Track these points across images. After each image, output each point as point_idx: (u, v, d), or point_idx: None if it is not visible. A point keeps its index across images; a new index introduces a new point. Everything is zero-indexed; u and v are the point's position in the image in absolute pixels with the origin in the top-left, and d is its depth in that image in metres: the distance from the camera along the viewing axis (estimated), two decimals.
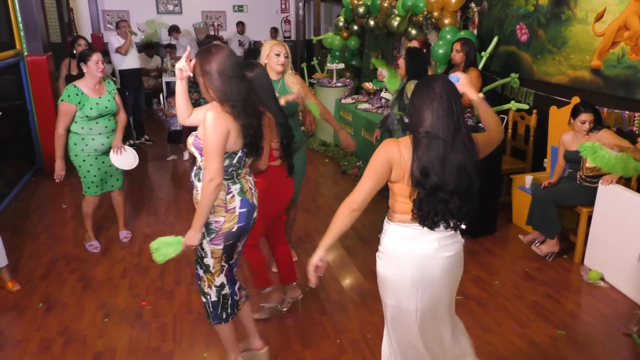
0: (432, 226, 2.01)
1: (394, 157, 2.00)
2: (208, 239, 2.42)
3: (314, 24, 10.93)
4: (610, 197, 3.63)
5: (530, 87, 4.94)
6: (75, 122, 3.82)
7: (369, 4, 7.42)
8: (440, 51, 5.50)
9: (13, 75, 5.68)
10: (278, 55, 3.43)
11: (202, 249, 2.46)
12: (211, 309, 2.58)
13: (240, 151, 2.38)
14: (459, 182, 1.97)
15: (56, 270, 3.84)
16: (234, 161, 2.38)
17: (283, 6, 11.62)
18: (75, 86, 3.80)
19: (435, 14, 5.76)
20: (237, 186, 2.43)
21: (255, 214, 2.52)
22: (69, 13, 9.36)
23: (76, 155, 3.88)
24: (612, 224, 3.62)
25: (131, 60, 7.27)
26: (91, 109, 3.79)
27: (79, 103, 3.77)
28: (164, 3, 10.92)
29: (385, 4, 6.83)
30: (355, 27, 8.18)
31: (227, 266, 2.54)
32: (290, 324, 3.21)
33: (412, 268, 2.07)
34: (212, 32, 11.06)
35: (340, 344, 3.03)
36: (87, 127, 3.83)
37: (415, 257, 2.06)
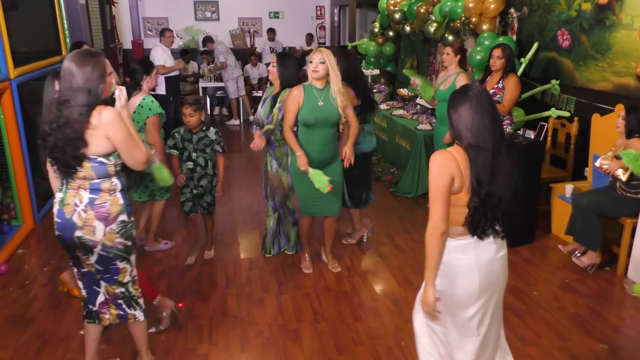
0: (482, 235, 2.03)
1: (453, 169, 1.99)
2: (134, 251, 2.54)
3: (349, 30, 10.95)
4: None
5: (572, 94, 4.82)
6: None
7: (405, 9, 7.40)
8: (478, 57, 5.43)
9: None
10: (311, 62, 3.42)
11: (131, 263, 2.54)
12: (142, 317, 2.68)
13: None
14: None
15: (58, 286, 3.92)
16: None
17: (318, 12, 11.70)
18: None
19: (473, 19, 5.70)
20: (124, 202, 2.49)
21: None
22: (112, 20, 9.66)
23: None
24: None
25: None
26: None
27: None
28: (202, 10, 11.15)
29: (422, 10, 6.80)
30: (391, 33, 8.16)
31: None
32: (325, 329, 3.22)
33: (479, 276, 2.08)
34: (248, 39, 11.24)
35: (374, 351, 3.01)
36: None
37: (481, 265, 2.08)
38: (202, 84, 9.55)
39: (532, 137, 4.31)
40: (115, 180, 2.41)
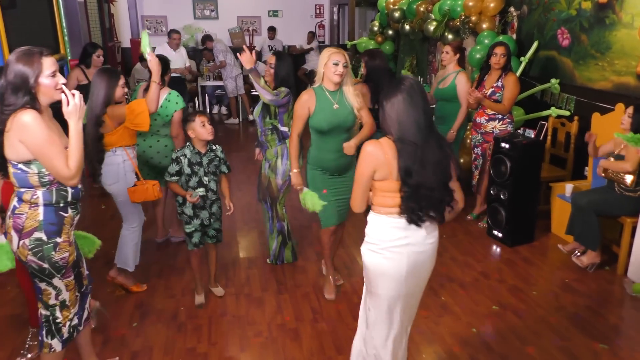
0: (418, 222, 2.14)
1: (378, 160, 2.12)
2: (59, 275, 2.30)
3: (348, 28, 10.94)
4: None
5: (572, 93, 4.82)
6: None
7: (404, 8, 7.39)
8: (478, 56, 5.42)
9: None
10: (336, 64, 3.08)
11: (55, 287, 2.32)
12: (60, 347, 2.43)
13: None
14: (437, 180, 2.10)
15: (95, 270, 3.93)
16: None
17: (317, 11, 11.68)
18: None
19: (473, 18, 5.69)
20: (78, 216, 2.39)
21: None
22: (110, 19, 9.62)
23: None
24: None
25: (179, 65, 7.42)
26: None
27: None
28: (201, 8, 11.12)
29: (422, 9, 6.79)
30: (390, 32, 8.15)
31: (78, 294, 2.45)
32: (324, 329, 3.21)
33: (407, 257, 2.18)
34: (247, 37, 11.21)
35: None
36: None
37: (409, 246, 2.18)
38: (201, 82, 9.53)
39: (532, 136, 4.30)
40: (38, 193, 2.21)
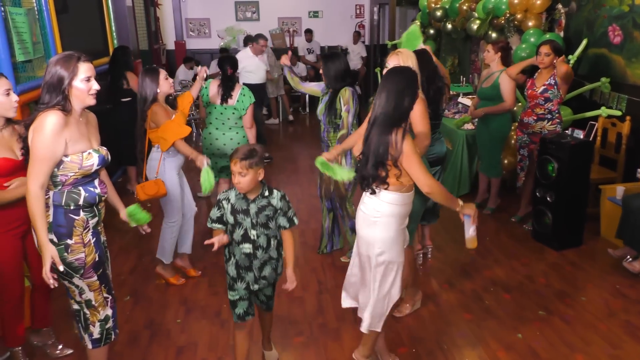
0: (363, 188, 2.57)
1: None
2: (78, 275, 2.31)
3: (388, 28, 10.86)
4: None
5: (623, 92, 4.64)
6: None
7: (447, 7, 7.28)
8: (523, 55, 5.28)
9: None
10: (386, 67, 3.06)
11: (77, 286, 2.33)
12: (90, 345, 2.45)
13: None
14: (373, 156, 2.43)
15: (142, 266, 4.06)
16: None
17: (358, 11, 11.65)
18: None
19: (519, 16, 5.55)
20: (96, 219, 2.39)
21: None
22: (156, 22, 9.89)
23: None
24: None
25: (258, 75, 7.18)
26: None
27: None
28: (243, 10, 11.28)
29: (465, 7, 6.67)
30: (432, 31, 8.04)
31: (110, 297, 2.45)
32: None
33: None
34: (287, 38, 11.30)
35: (415, 352, 2.98)
36: None
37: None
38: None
39: (581, 136, 4.17)
40: (50, 194, 2.24)
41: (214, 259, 4.18)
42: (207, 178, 3.35)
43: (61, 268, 2.25)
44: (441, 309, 3.40)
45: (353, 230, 3.84)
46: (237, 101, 4.24)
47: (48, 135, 2.15)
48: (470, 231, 2.64)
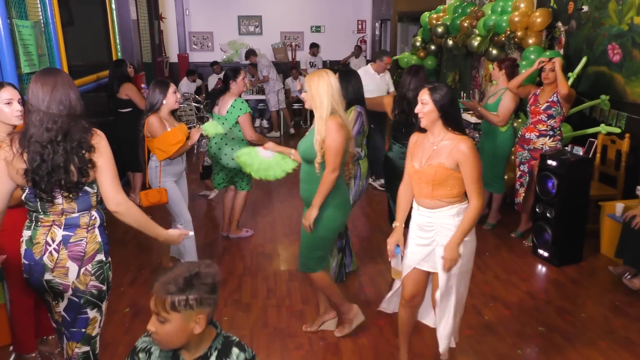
0: None
1: None
2: (107, 297, 2.25)
3: (390, 44, 10.96)
4: None
5: (622, 110, 4.67)
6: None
7: (448, 23, 7.36)
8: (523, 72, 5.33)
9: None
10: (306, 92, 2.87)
11: (102, 311, 2.25)
12: None
13: None
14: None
15: (142, 278, 4.06)
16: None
17: (360, 26, 11.77)
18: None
19: (519, 33, 5.61)
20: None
21: None
22: (160, 35, 9.98)
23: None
24: None
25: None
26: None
27: None
28: (246, 24, 11.40)
29: (466, 24, 6.75)
30: (433, 47, 8.12)
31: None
32: (365, 344, 3.19)
33: None
34: (289, 52, 11.40)
35: None
36: None
37: None
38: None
39: (581, 153, 4.19)
40: (94, 212, 2.17)
41: None
42: (210, 125, 3.78)
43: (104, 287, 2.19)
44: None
45: (340, 251, 3.85)
46: (227, 112, 4.31)
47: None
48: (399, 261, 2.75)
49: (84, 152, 2.05)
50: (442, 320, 2.62)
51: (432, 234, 2.56)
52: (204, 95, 9.94)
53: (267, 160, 3.45)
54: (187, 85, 9.61)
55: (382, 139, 6.09)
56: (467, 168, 2.42)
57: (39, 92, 2.04)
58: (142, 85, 5.79)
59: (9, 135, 2.37)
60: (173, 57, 11.03)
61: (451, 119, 2.47)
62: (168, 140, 3.62)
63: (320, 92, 2.77)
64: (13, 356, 2.94)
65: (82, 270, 2.13)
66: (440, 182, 2.48)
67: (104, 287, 2.20)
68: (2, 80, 3.32)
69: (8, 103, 2.49)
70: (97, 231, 2.18)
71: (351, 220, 4.03)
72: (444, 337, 2.63)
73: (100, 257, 2.18)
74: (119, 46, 6.13)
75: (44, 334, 2.98)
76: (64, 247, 2.11)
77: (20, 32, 3.63)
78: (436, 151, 2.50)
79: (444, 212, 2.52)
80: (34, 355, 2.92)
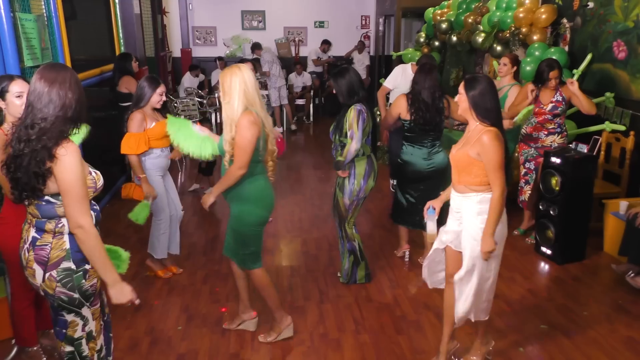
0: None
1: None
2: (87, 304, 2.15)
3: (393, 39, 10.91)
4: None
5: (627, 107, 4.64)
6: None
7: (452, 19, 7.32)
8: (528, 68, 5.30)
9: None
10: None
11: (83, 317, 2.16)
12: None
13: None
14: None
15: (144, 272, 4.06)
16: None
17: (363, 22, 11.72)
18: None
19: (524, 30, 5.58)
20: None
21: None
22: (163, 30, 9.96)
23: None
24: None
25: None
26: None
27: None
28: (249, 19, 11.36)
29: (470, 20, 6.71)
30: (437, 43, 8.08)
31: (102, 323, 2.31)
32: (366, 340, 3.19)
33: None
34: (292, 47, 11.36)
35: None
36: None
37: None
38: None
39: (585, 151, 4.17)
40: (63, 221, 2.06)
41: (216, 266, 4.18)
42: (139, 212, 3.65)
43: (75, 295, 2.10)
44: (442, 320, 3.38)
45: (351, 253, 3.78)
46: None
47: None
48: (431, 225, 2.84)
49: (43, 157, 1.94)
50: (461, 297, 2.70)
51: (459, 216, 2.69)
52: (206, 90, 9.94)
53: (199, 136, 3.38)
54: (189, 80, 9.60)
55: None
56: (487, 158, 2.52)
57: (36, 86, 2.00)
58: None
59: (12, 127, 2.35)
60: (176, 52, 11.01)
61: (480, 110, 2.57)
62: (131, 141, 3.61)
63: (232, 89, 2.75)
64: (15, 349, 2.95)
65: (47, 275, 2.07)
66: (463, 168, 2.62)
67: (76, 295, 2.09)
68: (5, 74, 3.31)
69: (19, 96, 2.48)
70: (65, 238, 2.07)
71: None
72: (461, 312, 2.72)
73: (68, 264, 2.07)
74: (122, 40, 6.12)
75: (45, 327, 2.99)
76: (32, 249, 2.08)
77: (23, 25, 3.62)
78: (467, 139, 2.64)
79: (468, 198, 2.64)
80: (35, 348, 2.93)
